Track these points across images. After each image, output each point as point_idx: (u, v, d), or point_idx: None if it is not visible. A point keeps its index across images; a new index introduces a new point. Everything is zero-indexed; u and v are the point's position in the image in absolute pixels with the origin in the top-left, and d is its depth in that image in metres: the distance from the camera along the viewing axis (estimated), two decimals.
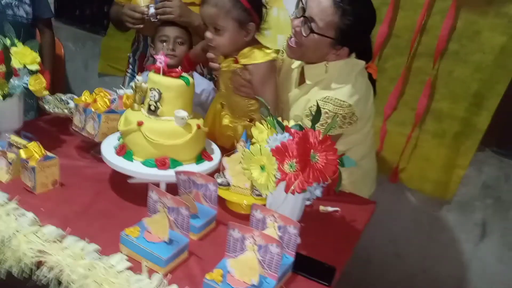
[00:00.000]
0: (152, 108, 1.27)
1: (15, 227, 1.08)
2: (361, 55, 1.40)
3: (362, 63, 1.39)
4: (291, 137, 1.06)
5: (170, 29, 1.73)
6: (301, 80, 1.47)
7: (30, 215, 1.11)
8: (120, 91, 1.52)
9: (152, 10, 1.71)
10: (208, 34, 1.41)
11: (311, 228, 1.26)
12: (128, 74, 2.09)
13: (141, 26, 1.77)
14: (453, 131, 1.83)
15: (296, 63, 1.48)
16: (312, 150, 1.03)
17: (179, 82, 1.27)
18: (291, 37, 1.37)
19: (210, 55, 1.49)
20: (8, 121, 1.43)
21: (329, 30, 1.27)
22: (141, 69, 2.00)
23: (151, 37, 1.81)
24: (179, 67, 1.33)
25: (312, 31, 1.27)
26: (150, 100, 1.26)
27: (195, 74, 1.85)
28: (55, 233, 1.07)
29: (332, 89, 1.34)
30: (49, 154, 1.25)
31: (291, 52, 1.39)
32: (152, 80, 1.27)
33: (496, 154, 1.84)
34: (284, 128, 1.10)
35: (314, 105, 1.27)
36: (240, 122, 1.56)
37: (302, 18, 1.30)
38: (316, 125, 1.12)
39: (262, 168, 1.06)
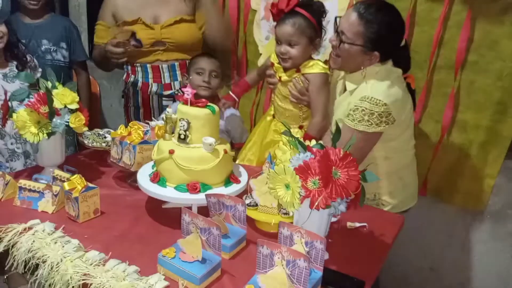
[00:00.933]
0: (182, 136, 1.35)
1: (62, 253, 1.17)
2: (398, 64, 1.52)
3: (398, 70, 1.52)
4: (313, 156, 1.11)
5: (206, 62, 1.91)
6: (345, 89, 1.60)
7: (75, 241, 1.21)
8: (152, 123, 1.63)
9: (133, 42, 1.86)
10: (283, 49, 1.68)
11: (339, 244, 1.30)
12: (132, 108, 2.16)
13: (125, 59, 1.92)
14: (479, 140, 1.83)
15: (340, 75, 1.65)
16: (333, 167, 1.08)
17: (206, 111, 1.36)
18: (331, 52, 1.57)
19: (269, 72, 1.82)
20: (52, 157, 1.56)
21: (357, 39, 1.45)
22: (146, 100, 2.08)
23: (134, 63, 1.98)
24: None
25: (342, 41, 1.47)
26: (180, 129, 1.35)
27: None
28: (98, 257, 1.15)
29: (368, 89, 1.45)
30: (90, 185, 1.36)
31: (332, 63, 1.58)
32: (181, 111, 1.36)
33: None
34: (306, 148, 1.16)
35: (355, 105, 1.44)
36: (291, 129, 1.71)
37: (335, 34, 1.51)
38: (353, 121, 1.36)
39: (287, 186, 1.11)
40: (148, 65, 2.04)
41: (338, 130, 1.17)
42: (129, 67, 2.11)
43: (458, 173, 1.90)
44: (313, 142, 1.21)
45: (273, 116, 1.90)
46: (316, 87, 1.69)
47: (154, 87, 2.07)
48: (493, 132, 1.80)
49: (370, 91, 1.44)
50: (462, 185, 1.90)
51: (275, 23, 2.21)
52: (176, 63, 2.07)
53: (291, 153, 1.17)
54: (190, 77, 1.87)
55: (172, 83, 2.08)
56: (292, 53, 1.67)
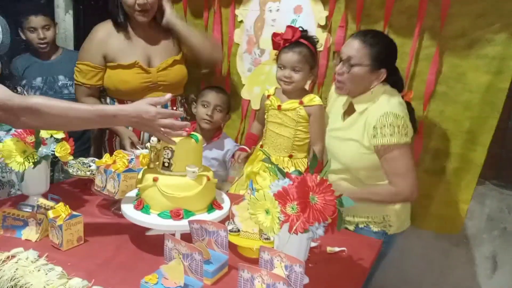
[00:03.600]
0: (166, 164, 1.40)
1: (45, 281, 1.18)
2: (394, 85, 1.67)
3: (395, 90, 1.66)
4: (291, 182, 1.17)
5: (213, 96, 2.04)
6: (347, 112, 1.73)
7: (59, 269, 1.22)
8: (137, 151, 1.67)
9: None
10: (287, 73, 1.83)
11: (319, 268, 1.33)
12: (118, 141, 2.18)
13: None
14: (452, 167, 1.91)
15: (344, 100, 1.77)
16: (311, 193, 1.13)
17: (190, 140, 1.41)
18: (336, 81, 1.69)
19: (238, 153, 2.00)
20: (37, 185, 1.58)
21: (365, 60, 1.60)
22: (137, 133, 2.09)
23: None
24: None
25: (352, 65, 1.61)
26: (164, 157, 1.40)
27: (228, 139, 2.12)
28: (81, 284, 1.17)
29: (385, 105, 1.58)
30: (74, 213, 1.38)
31: (340, 90, 1.70)
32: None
33: (496, 187, 1.90)
34: (285, 175, 1.22)
35: (381, 123, 1.54)
36: (281, 157, 1.89)
37: (341, 62, 1.65)
38: (385, 136, 1.51)
39: (267, 212, 1.16)
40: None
41: (314, 156, 1.24)
42: (116, 102, 2.14)
43: (432, 198, 1.97)
44: (292, 169, 1.27)
45: (261, 147, 1.97)
46: (318, 117, 1.85)
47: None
48: (465, 159, 1.88)
49: (389, 106, 1.57)
50: (436, 210, 1.97)
51: (258, 56, 2.35)
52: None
53: (271, 180, 1.23)
54: (196, 109, 2.02)
55: None
56: (295, 78, 1.83)
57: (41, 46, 2.27)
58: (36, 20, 2.22)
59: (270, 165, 1.23)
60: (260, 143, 2.00)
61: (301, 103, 1.86)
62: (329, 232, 1.19)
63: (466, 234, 1.98)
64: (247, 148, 2.02)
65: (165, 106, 2.13)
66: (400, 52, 1.93)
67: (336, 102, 1.84)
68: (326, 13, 2.09)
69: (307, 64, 1.82)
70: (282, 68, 1.84)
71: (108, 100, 2.20)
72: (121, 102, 2.13)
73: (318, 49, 2.11)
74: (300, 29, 1.84)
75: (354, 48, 1.61)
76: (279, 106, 1.89)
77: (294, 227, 1.09)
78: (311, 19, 2.14)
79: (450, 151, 1.91)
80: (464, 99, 1.85)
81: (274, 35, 1.85)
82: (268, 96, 1.95)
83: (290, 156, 1.89)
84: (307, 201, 1.13)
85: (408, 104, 1.69)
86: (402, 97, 1.69)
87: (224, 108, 2.07)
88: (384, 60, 1.61)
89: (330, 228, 1.18)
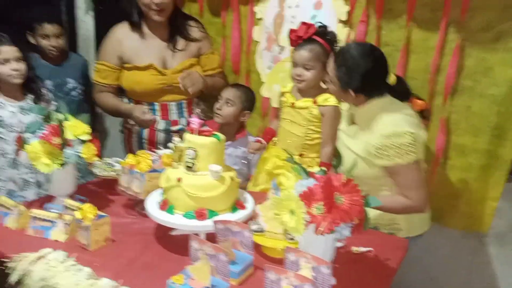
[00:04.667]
0: (189, 165, 1.40)
1: (74, 281, 1.20)
2: (396, 95, 1.58)
3: (399, 102, 1.57)
4: (316, 182, 1.15)
5: (226, 90, 2.04)
6: (351, 118, 1.66)
7: (87, 270, 1.24)
8: (160, 152, 1.68)
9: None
10: (298, 71, 1.79)
11: (346, 269, 1.31)
12: (136, 143, 2.21)
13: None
14: (479, 164, 1.86)
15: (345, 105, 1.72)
16: (336, 193, 1.12)
17: (212, 139, 1.42)
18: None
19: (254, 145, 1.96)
20: (63, 187, 1.61)
21: (334, 80, 1.55)
22: (152, 135, 2.13)
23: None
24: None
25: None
26: (187, 158, 1.40)
27: (250, 136, 2.11)
28: (109, 285, 1.18)
29: (387, 124, 1.49)
30: (101, 213, 1.40)
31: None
32: (188, 140, 1.42)
33: None
34: (309, 174, 1.20)
35: (385, 145, 1.46)
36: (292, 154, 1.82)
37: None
38: (392, 159, 1.44)
39: (292, 212, 1.15)
40: (157, 104, 2.11)
41: (339, 156, 1.22)
42: (133, 103, 2.17)
43: (460, 196, 1.93)
44: (316, 168, 1.26)
45: (274, 144, 1.96)
46: (330, 118, 1.82)
47: (161, 124, 2.13)
48: (493, 155, 1.83)
49: (391, 125, 1.48)
50: (464, 208, 1.93)
51: (277, 53, 2.33)
52: (184, 102, 2.14)
53: (295, 180, 1.22)
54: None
55: (179, 120, 2.16)
56: (306, 76, 1.79)
57: (53, 52, 2.30)
58: (50, 28, 2.25)
59: (294, 165, 1.22)
60: (274, 140, 1.98)
61: (315, 102, 1.83)
62: (355, 233, 1.17)
63: (494, 232, 1.92)
64: (262, 140, 1.99)
65: (180, 108, 2.15)
66: (424, 47, 1.91)
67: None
68: (347, 8, 2.05)
69: (319, 62, 1.77)
70: (294, 66, 1.82)
71: (126, 101, 2.23)
72: (138, 103, 2.15)
73: (340, 46, 2.08)
74: (319, 24, 1.80)
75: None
76: (292, 104, 1.87)
77: (321, 228, 1.08)
78: (332, 14, 2.11)
79: (477, 147, 1.86)
80: (491, 93, 1.80)
81: (290, 31, 1.83)
82: (284, 93, 1.94)
83: (301, 155, 1.86)
84: (333, 202, 1.11)
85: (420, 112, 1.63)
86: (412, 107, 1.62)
87: (236, 103, 2.00)
88: (347, 82, 1.50)
89: (356, 228, 1.16)
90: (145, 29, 2.10)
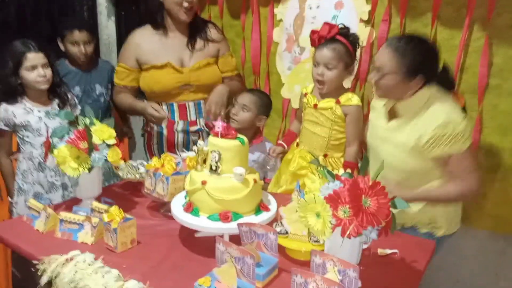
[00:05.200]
0: (214, 167, 1.41)
1: (103, 283, 1.22)
2: (442, 86, 1.56)
3: (445, 91, 1.56)
4: (342, 185, 1.15)
5: (242, 95, 2.05)
6: (391, 113, 1.64)
7: (115, 272, 1.26)
8: (183, 154, 1.70)
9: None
10: (320, 70, 1.78)
11: (371, 271, 1.30)
12: (156, 146, 2.23)
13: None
14: (507, 163, 1.82)
15: (383, 102, 1.68)
16: (363, 196, 1.11)
17: (236, 142, 1.42)
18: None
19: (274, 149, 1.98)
20: (90, 189, 1.64)
21: (397, 70, 1.51)
22: (171, 137, 2.15)
23: None
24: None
25: (384, 74, 1.53)
26: (212, 161, 1.41)
27: (269, 142, 2.13)
28: (137, 286, 1.20)
29: (440, 113, 1.48)
30: (127, 216, 1.42)
31: (378, 94, 1.63)
32: (212, 143, 1.43)
33: None
34: (335, 177, 1.20)
35: (441, 134, 1.45)
36: (316, 155, 1.80)
37: (374, 70, 1.58)
38: (447, 146, 1.44)
39: (318, 215, 1.15)
40: (175, 104, 2.13)
41: (365, 158, 1.21)
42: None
43: (487, 196, 1.89)
44: (341, 171, 1.25)
45: (297, 145, 1.96)
46: (354, 118, 1.81)
47: (180, 125, 2.15)
48: None
49: (444, 113, 1.48)
50: (491, 208, 1.89)
51: (298, 54, 2.33)
52: (202, 101, 2.15)
53: (320, 182, 1.21)
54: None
55: (197, 120, 2.17)
56: (328, 76, 1.77)
57: (82, 59, 2.35)
58: (80, 35, 2.30)
59: (319, 168, 1.22)
60: (296, 141, 1.98)
61: (337, 102, 1.81)
62: (382, 235, 1.16)
63: None
64: (284, 144, 2.00)
65: (199, 107, 2.16)
66: (449, 45, 1.87)
67: (378, 100, 1.77)
68: (368, 7, 2.04)
69: (341, 61, 1.76)
70: (316, 65, 1.80)
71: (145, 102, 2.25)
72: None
73: (361, 45, 2.07)
74: (341, 25, 1.79)
75: (384, 56, 1.53)
76: (315, 105, 1.85)
77: (348, 232, 1.07)
78: (353, 14, 2.09)
79: (505, 146, 1.82)
80: None
81: (312, 32, 1.82)
82: (305, 94, 1.92)
83: (325, 156, 1.86)
84: (360, 205, 1.10)
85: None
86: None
87: (252, 108, 2.01)
88: (419, 67, 1.50)
89: (383, 231, 1.15)
90: (166, 29, 2.12)
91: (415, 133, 1.52)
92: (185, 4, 2.01)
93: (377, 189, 1.12)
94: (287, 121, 2.43)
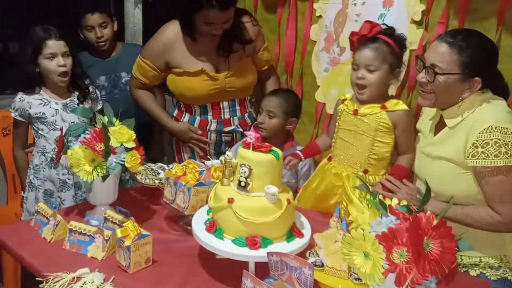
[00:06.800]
0: (243, 184, 1.24)
1: None
2: (497, 92, 1.40)
3: (500, 98, 1.39)
4: (398, 221, 0.96)
5: (265, 100, 1.87)
6: (439, 126, 1.48)
7: None
8: (208, 163, 1.53)
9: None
10: (360, 74, 1.54)
11: None
12: (186, 147, 2.07)
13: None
14: None
15: (433, 111, 1.51)
16: (425, 237, 0.92)
17: (269, 157, 1.24)
18: (420, 90, 1.44)
19: (289, 158, 1.74)
20: (104, 196, 1.50)
21: (453, 68, 1.34)
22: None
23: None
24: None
25: (436, 74, 1.35)
26: (241, 176, 1.24)
27: (299, 146, 1.94)
28: None
29: (488, 117, 1.31)
30: (143, 232, 1.26)
31: (423, 100, 1.44)
32: (242, 155, 1.25)
33: None
34: (387, 209, 1.01)
35: (483, 140, 1.28)
36: (354, 171, 1.61)
37: (424, 70, 1.39)
38: (488, 157, 1.26)
39: (366, 255, 0.96)
40: (208, 105, 1.97)
41: (428, 190, 1.02)
42: (182, 104, 2.03)
43: None
44: (395, 200, 1.06)
45: (328, 159, 1.71)
46: (406, 124, 1.56)
47: (213, 125, 1.99)
48: None
49: (493, 118, 1.30)
50: None
51: (337, 55, 2.13)
52: (236, 99, 2.00)
53: (370, 215, 1.03)
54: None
55: (231, 118, 2.01)
56: (370, 79, 1.53)
57: (100, 44, 2.18)
58: (93, 18, 2.13)
59: (370, 197, 1.03)
60: (329, 154, 1.73)
61: (383, 107, 1.56)
62: (442, 285, 0.97)
63: None
64: (301, 155, 1.76)
65: (233, 106, 2.00)
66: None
67: (425, 114, 1.58)
68: (422, 7, 1.81)
69: (385, 63, 1.52)
70: (356, 69, 1.57)
71: (174, 101, 2.10)
72: (187, 106, 2.02)
73: (411, 48, 1.85)
74: (384, 26, 1.57)
75: (439, 53, 1.34)
76: (355, 111, 1.59)
77: (406, 283, 0.88)
78: (403, 13, 1.87)
79: None
80: None
81: (352, 34, 1.60)
82: (343, 100, 1.67)
83: (365, 172, 1.61)
84: (421, 248, 0.91)
85: None
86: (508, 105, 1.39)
87: (278, 113, 1.83)
88: (477, 66, 1.33)
89: (445, 280, 0.96)
90: (198, 33, 1.90)
91: (461, 141, 1.33)
92: (214, 32, 1.82)
93: (442, 229, 0.93)
94: (320, 127, 2.24)
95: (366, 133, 1.59)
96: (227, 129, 1.99)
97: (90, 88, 1.93)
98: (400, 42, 1.57)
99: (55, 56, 1.76)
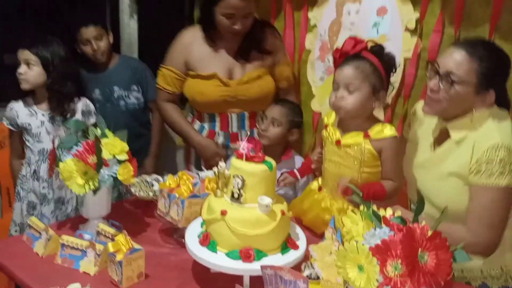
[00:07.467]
0: (236, 195, 1.22)
1: None
2: (500, 104, 1.35)
3: (505, 110, 1.36)
4: (392, 233, 0.94)
5: (271, 109, 1.85)
6: (438, 140, 1.41)
7: None
8: (202, 174, 1.52)
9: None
10: (339, 94, 1.42)
11: None
12: (194, 155, 2.07)
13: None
14: None
15: (433, 123, 1.43)
16: (420, 249, 0.90)
17: (263, 167, 1.23)
18: (428, 98, 1.36)
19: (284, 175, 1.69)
20: (97, 209, 1.48)
21: (471, 77, 1.28)
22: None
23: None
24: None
25: (453, 82, 1.28)
26: (234, 187, 1.22)
27: (298, 157, 1.92)
28: None
29: (495, 134, 1.27)
30: (135, 246, 1.24)
31: (430, 108, 1.37)
32: (235, 166, 1.24)
33: None
34: (381, 221, 0.99)
35: (487, 157, 1.24)
36: (345, 203, 1.49)
37: (437, 77, 1.31)
38: (492, 176, 1.22)
39: (360, 268, 0.94)
40: (216, 114, 1.95)
41: (421, 200, 1.00)
42: (194, 111, 2.03)
43: None
44: (389, 211, 1.04)
45: (319, 189, 1.58)
46: (392, 152, 1.43)
47: (220, 137, 1.96)
48: None
49: (500, 136, 1.26)
50: None
51: (332, 64, 2.11)
52: (246, 113, 1.96)
53: (364, 226, 1.01)
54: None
55: (239, 132, 1.97)
56: (348, 100, 1.39)
57: (97, 57, 2.18)
58: (87, 32, 2.13)
59: (363, 209, 1.01)
60: (318, 182, 1.61)
61: (366, 136, 1.42)
62: None
63: None
64: (298, 174, 1.69)
65: (242, 119, 1.97)
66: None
67: (423, 126, 1.48)
68: (416, 14, 1.81)
69: (366, 82, 1.38)
70: (335, 89, 1.43)
71: (189, 109, 2.10)
72: (198, 113, 2.00)
73: (405, 56, 1.85)
74: (371, 44, 1.44)
75: (456, 60, 1.28)
76: (337, 142, 1.46)
77: None
78: (397, 21, 1.87)
79: None
80: None
81: (335, 51, 1.49)
82: (326, 126, 1.55)
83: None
84: (416, 260, 0.89)
85: None
86: None
87: (283, 122, 1.81)
88: (494, 79, 1.29)
89: None
90: (217, 37, 1.91)
91: (467, 156, 1.29)
92: (231, 30, 1.81)
93: (437, 241, 0.91)
94: (317, 136, 2.23)
95: (351, 166, 1.46)
96: (233, 145, 1.94)
97: (79, 104, 1.85)
98: (387, 62, 1.43)
99: (20, 64, 1.74)
